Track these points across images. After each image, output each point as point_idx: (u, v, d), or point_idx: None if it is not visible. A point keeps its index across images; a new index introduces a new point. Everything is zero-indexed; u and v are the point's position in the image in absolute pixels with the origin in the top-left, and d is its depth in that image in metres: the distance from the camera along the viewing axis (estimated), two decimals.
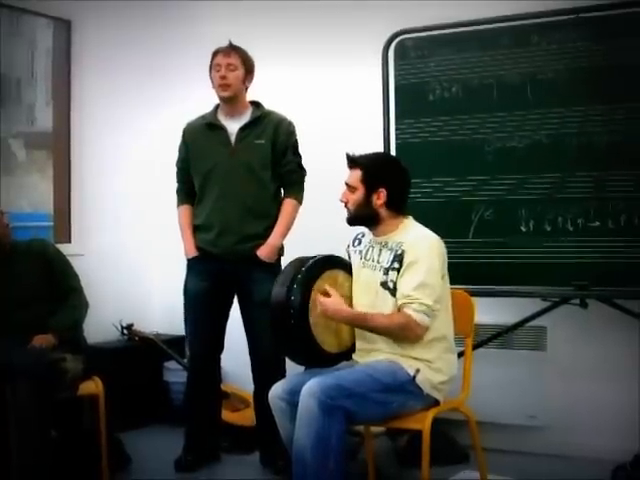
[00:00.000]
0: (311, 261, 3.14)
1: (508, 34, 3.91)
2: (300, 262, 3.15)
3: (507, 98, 3.90)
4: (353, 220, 3.24)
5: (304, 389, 2.83)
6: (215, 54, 3.91)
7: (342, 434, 2.84)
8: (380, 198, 3.16)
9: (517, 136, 3.86)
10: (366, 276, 3.19)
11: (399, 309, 3.01)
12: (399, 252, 3.08)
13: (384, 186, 3.16)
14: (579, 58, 3.75)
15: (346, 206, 3.22)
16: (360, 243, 3.30)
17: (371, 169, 3.18)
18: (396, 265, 3.07)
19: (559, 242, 3.78)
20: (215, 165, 3.87)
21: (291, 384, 3.04)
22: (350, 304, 3.19)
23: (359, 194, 3.17)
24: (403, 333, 3.00)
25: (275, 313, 3.08)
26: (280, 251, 3.93)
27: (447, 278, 3.15)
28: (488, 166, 3.93)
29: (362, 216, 3.20)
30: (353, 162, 3.21)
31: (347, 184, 3.21)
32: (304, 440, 2.79)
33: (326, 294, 3.07)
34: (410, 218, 3.24)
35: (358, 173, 3.18)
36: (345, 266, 3.28)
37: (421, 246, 3.07)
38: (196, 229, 3.95)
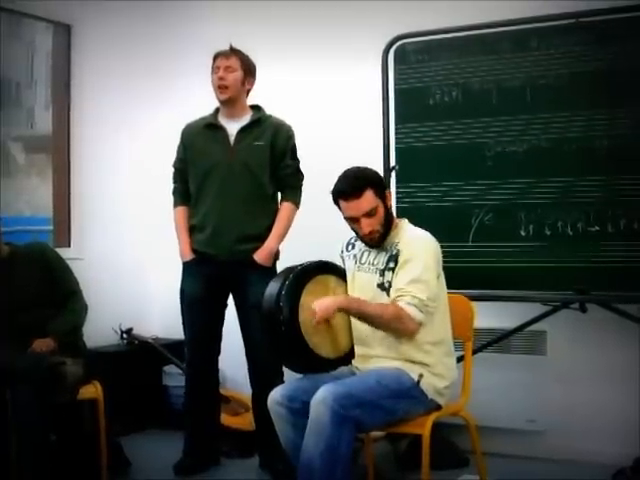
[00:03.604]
0: (299, 268, 3.13)
1: (508, 38, 3.91)
2: (289, 270, 3.15)
3: (507, 103, 3.90)
4: (383, 238, 3.13)
5: (316, 397, 2.80)
6: (215, 57, 3.93)
7: (351, 443, 2.83)
8: (389, 199, 3.17)
9: (517, 141, 3.86)
10: (362, 279, 3.18)
11: (393, 302, 3.00)
12: (394, 252, 3.09)
13: (385, 187, 3.17)
14: (579, 62, 3.75)
15: (371, 233, 3.10)
16: (354, 247, 3.29)
17: (375, 180, 3.13)
18: (392, 265, 3.07)
19: (559, 246, 3.78)
20: (214, 165, 3.87)
21: (290, 390, 3.03)
22: None
23: (380, 211, 3.08)
24: (395, 324, 2.97)
25: (266, 321, 3.08)
26: (276, 255, 3.94)
27: (443, 280, 3.15)
28: (488, 171, 3.93)
29: (388, 228, 3.13)
30: (360, 187, 3.04)
31: (365, 214, 3.04)
32: (313, 448, 2.77)
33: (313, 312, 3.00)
34: (405, 220, 3.24)
35: (370, 193, 3.05)
36: (337, 271, 3.28)
37: (416, 245, 3.07)
38: (192, 229, 3.95)
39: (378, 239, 3.12)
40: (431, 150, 4.06)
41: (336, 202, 3.12)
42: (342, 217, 3.15)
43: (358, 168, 3.14)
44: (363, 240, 3.16)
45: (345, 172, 3.13)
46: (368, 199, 3.05)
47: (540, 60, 3.84)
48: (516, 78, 3.88)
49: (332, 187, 3.11)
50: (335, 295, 3.18)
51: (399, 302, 2.97)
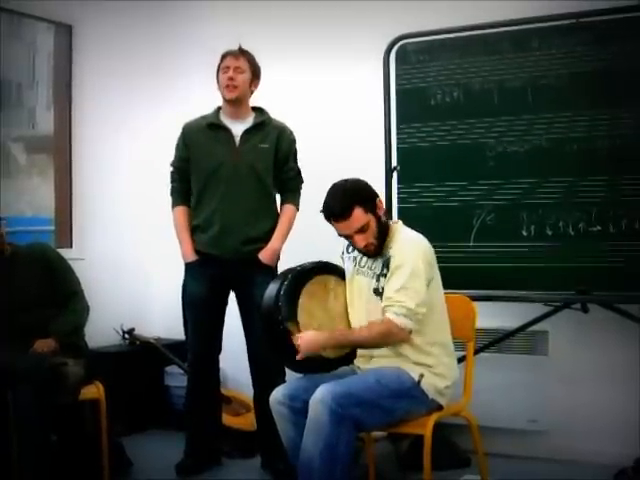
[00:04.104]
0: (298, 268, 3.15)
1: (509, 39, 3.91)
2: (288, 271, 3.17)
3: (508, 103, 3.90)
4: (379, 248, 3.12)
5: (314, 396, 2.81)
6: (224, 56, 3.93)
7: (350, 442, 2.83)
8: (381, 208, 3.15)
9: (519, 141, 3.86)
10: (359, 283, 3.19)
11: (382, 313, 3.00)
12: (387, 257, 3.09)
13: (374, 197, 3.14)
14: (580, 62, 3.75)
15: (366, 247, 3.10)
16: (354, 249, 3.28)
17: (363, 195, 3.10)
18: (385, 271, 3.08)
19: (560, 247, 3.78)
20: (219, 165, 3.87)
21: (291, 389, 3.04)
22: (345, 309, 3.22)
23: (372, 224, 3.07)
24: (386, 340, 3.00)
25: (266, 322, 3.10)
26: (277, 255, 3.94)
27: (439, 282, 3.16)
28: (490, 171, 3.93)
29: (383, 238, 3.13)
30: (348, 208, 3.02)
31: (357, 230, 3.05)
32: (312, 448, 2.79)
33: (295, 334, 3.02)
34: (399, 223, 3.24)
35: (359, 211, 3.03)
36: (336, 271, 3.29)
37: (406, 250, 3.06)
38: (195, 229, 3.95)
39: (374, 250, 3.12)
40: (433, 150, 4.05)
41: (328, 220, 3.12)
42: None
43: (344, 184, 3.11)
44: (360, 252, 3.17)
45: (332, 190, 3.11)
46: (358, 217, 3.05)
47: (541, 60, 3.83)
48: (517, 78, 3.87)
49: (321, 206, 3.10)
50: (335, 295, 3.19)
51: (387, 313, 2.98)
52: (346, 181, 3.13)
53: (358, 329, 3.06)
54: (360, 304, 3.14)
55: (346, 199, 3.05)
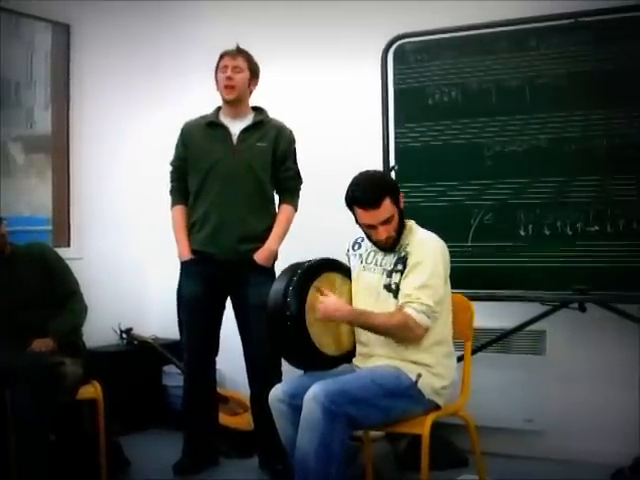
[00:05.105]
0: (307, 264, 3.14)
1: (507, 38, 3.91)
2: (296, 266, 3.14)
3: (506, 102, 3.90)
4: (396, 242, 3.12)
5: (308, 394, 2.81)
6: (222, 56, 3.93)
7: (345, 440, 2.83)
8: (402, 203, 3.16)
9: (516, 140, 3.86)
10: (367, 279, 3.18)
11: (400, 308, 3.00)
12: (403, 254, 3.08)
13: (399, 190, 3.16)
14: (577, 62, 3.75)
15: (387, 239, 3.08)
16: (360, 247, 3.28)
17: (392, 187, 3.12)
18: (400, 267, 3.07)
19: (558, 246, 3.78)
20: (216, 163, 3.87)
21: (291, 387, 3.03)
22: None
23: (396, 217, 3.08)
24: (403, 333, 2.99)
25: (272, 317, 3.08)
26: (275, 256, 3.94)
27: (449, 282, 3.15)
28: (487, 170, 3.93)
29: (400, 233, 3.12)
30: (379, 197, 3.01)
31: (383, 221, 3.03)
32: (307, 446, 2.78)
33: (323, 294, 3.06)
34: (412, 222, 3.23)
35: (388, 201, 3.03)
36: (342, 269, 3.28)
37: (426, 248, 3.07)
38: (192, 226, 3.95)
39: (392, 243, 3.11)
40: (431, 150, 4.05)
41: (351, 208, 3.11)
42: (351, 221, 3.15)
43: (374, 174, 3.14)
44: (377, 245, 3.15)
45: (362, 178, 3.10)
46: (386, 208, 3.04)
47: (538, 60, 3.84)
48: (515, 78, 3.88)
49: (347, 193, 3.09)
50: (341, 294, 3.18)
51: (407, 309, 2.97)
52: (374, 171, 3.14)
53: (377, 313, 3.03)
54: (368, 301, 3.12)
55: (377, 188, 3.05)
